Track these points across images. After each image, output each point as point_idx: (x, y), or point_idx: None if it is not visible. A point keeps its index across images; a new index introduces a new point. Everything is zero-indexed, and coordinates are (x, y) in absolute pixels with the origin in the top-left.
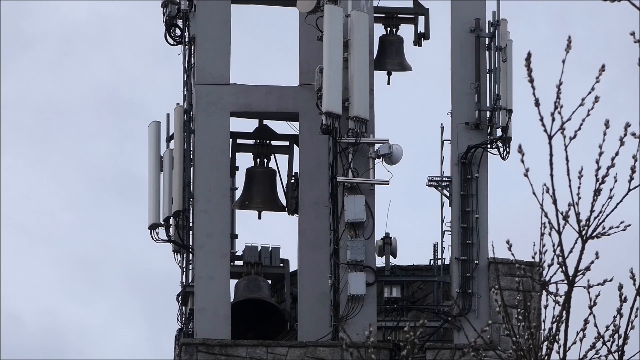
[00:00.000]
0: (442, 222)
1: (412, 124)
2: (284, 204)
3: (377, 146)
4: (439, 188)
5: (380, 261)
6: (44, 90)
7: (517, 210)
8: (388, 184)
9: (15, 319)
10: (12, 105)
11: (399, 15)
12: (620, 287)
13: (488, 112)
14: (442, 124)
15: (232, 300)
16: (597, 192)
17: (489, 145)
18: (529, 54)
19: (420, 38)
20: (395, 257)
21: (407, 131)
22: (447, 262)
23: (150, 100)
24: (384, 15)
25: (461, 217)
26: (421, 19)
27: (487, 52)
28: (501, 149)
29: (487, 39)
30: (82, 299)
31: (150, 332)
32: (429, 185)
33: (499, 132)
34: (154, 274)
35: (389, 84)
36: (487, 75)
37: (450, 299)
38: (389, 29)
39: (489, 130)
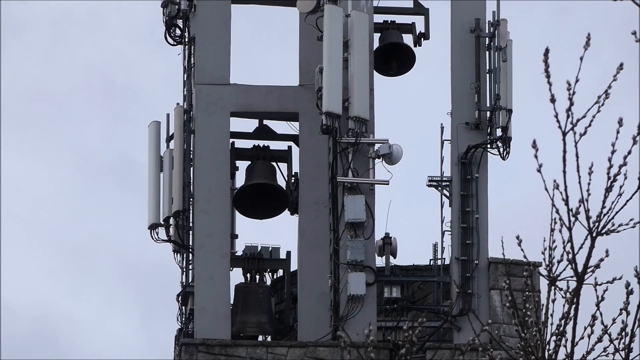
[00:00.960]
0: (442, 222)
1: (412, 124)
2: (283, 185)
3: (377, 146)
4: (439, 188)
5: (380, 261)
6: (35, 75)
7: (517, 210)
8: (388, 184)
9: (7, 308)
10: (3, 92)
11: (397, 23)
12: (628, 284)
13: (488, 112)
14: (442, 124)
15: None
16: (608, 189)
17: (489, 145)
18: (547, 50)
19: (420, 38)
20: (395, 257)
21: (407, 131)
22: (447, 262)
23: (144, 83)
24: (382, 23)
25: (461, 217)
26: (421, 19)
27: (487, 52)
28: (501, 149)
29: (487, 39)
30: (75, 289)
31: (143, 323)
32: (429, 185)
33: (499, 132)
34: (148, 264)
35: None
36: (487, 75)
37: (450, 298)
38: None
39: (489, 130)
